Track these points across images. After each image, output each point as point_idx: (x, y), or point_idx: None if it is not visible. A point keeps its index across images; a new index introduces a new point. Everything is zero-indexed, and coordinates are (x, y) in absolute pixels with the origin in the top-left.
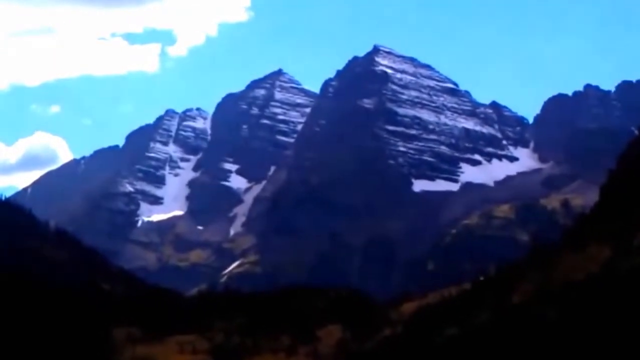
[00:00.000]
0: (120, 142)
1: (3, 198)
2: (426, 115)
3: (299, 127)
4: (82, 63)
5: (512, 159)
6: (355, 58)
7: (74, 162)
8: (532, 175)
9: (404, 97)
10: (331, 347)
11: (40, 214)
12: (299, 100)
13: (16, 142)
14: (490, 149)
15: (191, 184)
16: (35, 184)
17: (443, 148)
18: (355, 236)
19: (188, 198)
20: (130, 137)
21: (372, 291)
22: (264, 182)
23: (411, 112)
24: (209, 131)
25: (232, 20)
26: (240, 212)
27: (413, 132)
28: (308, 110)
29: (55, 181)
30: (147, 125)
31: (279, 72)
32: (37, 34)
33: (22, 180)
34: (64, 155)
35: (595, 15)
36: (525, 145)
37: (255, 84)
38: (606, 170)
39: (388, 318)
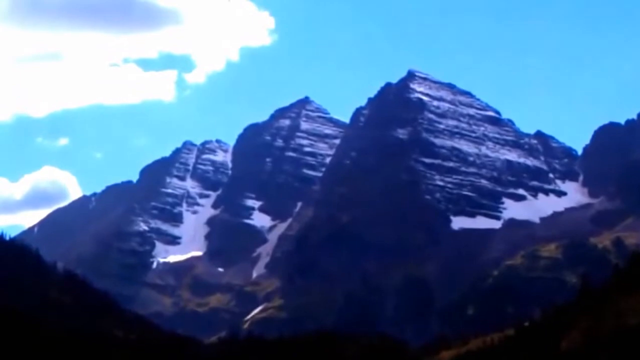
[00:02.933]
0: (134, 177)
1: (8, 238)
2: (465, 146)
3: (327, 159)
4: (93, 91)
5: (560, 193)
6: (388, 84)
7: (84, 199)
8: (582, 211)
9: (442, 126)
10: None
11: (48, 255)
12: (327, 131)
13: (21, 178)
14: (535, 183)
15: (210, 222)
16: (42, 222)
17: (484, 182)
18: (388, 278)
19: (207, 237)
20: (145, 172)
21: (406, 338)
22: (289, 220)
23: (449, 142)
24: (229, 165)
25: (254, 44)
26: (264, 252)
27: (451, 164)
28: (337, 141)
29: (64, 219)
30: (163, 159)
31: (306, 100)
32: (43, 61)
33: (28, 218)
34: (73, 191)
35: None
36: (573, 178)
37: (279, 113)
38: None
39: None
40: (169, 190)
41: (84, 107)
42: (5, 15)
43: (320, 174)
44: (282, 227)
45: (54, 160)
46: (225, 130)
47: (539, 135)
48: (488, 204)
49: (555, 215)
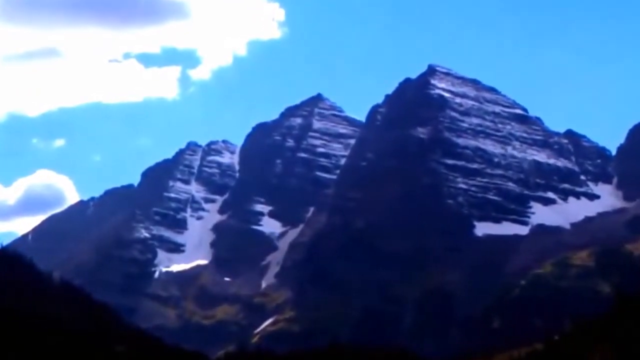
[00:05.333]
0: (135, 181)
1: (0, 246)
2: (491, 146)
3: (342, 161)
4: (91, 89)
5: (592, 196)
6: (407, 80)
7: (82, 204)
8: (616, 215)
9: (465, 125)
10: None
11: (43, 264)
12: (341, 130)
13: (15, 182)
14: (565, 186)
15: (217, 228)
16: (37, 229)
17: (510, 185)
18: (407, 288)
19: (213, 245)
20: (146, 175)
21: (426, 352)
22: (301, 226)
23: (473, 142)
24: (237, 167)
25: (263, 37)
26: (274, 260)
27: (475, 166)
28: (352, 141)
29: (60, 226)
30: (166, 161)
31: (318, 98)
32: (39, 57)
33: (22, 225)
34: (70, 196)
35: None
36: (607, 180)
37: (290, 112)
38: None
39: None
40: (172, 195)
41: (81, 105)
42: None
43: (334, 177)
44: (293, 233)
45: (49, 163)
46: (232, 130)
47: (570, 134)
48: (515, 208)
49: (587, 220)
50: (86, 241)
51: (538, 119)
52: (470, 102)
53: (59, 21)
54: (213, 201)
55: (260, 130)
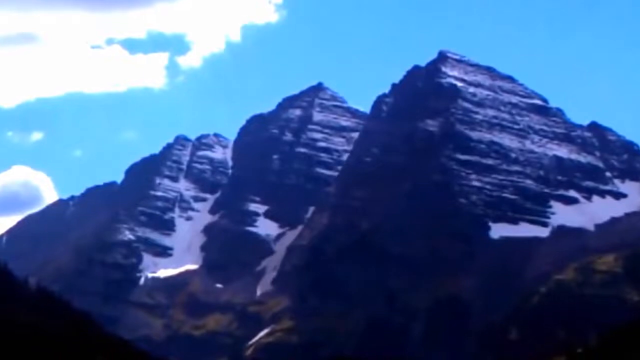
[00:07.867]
0: (119, 178)
1: None
2: (507, 140)
3: (345, 156)
4: (71, 78)
5: (618, 195)
6: (416, 68)
7: (61, 204)
8: None
9: (479, 117)
10: None
11: (18, 269)
12: (344, 123)
13: None
14: (589, 183)
15: (207, 230)
16: (12, 231)
17: (529, 182)
18: (417, 296)
19: (203, 248)
20: (131, 172)
21: None
22: (300, 228)
23: (488, 136)
24: (229, 163)
25: (258, 21)
26: (270, 265)
27: (490, 162)
28: (356, 135)
29: (37, 228)
30: (152, 156)
31: (319, 87)
32: (15, 43)
33: None
34: (48, 195)
35: None
36: (635, 178)
37: (288, 103)
38: None
39: None
40: (159, 193)
41: (61, 96)
42: None
43: (336, 174)
44: (291, 235)
45: (26, 158)
46: (224, 122)
47: (594, 127)
48: (533, 208)
49: (614, 221)
50: (65, 244)
51: (559, 110)
52: (485, 92)
53: (36, 4)
54: (203, 200)
55: (256, 123)
